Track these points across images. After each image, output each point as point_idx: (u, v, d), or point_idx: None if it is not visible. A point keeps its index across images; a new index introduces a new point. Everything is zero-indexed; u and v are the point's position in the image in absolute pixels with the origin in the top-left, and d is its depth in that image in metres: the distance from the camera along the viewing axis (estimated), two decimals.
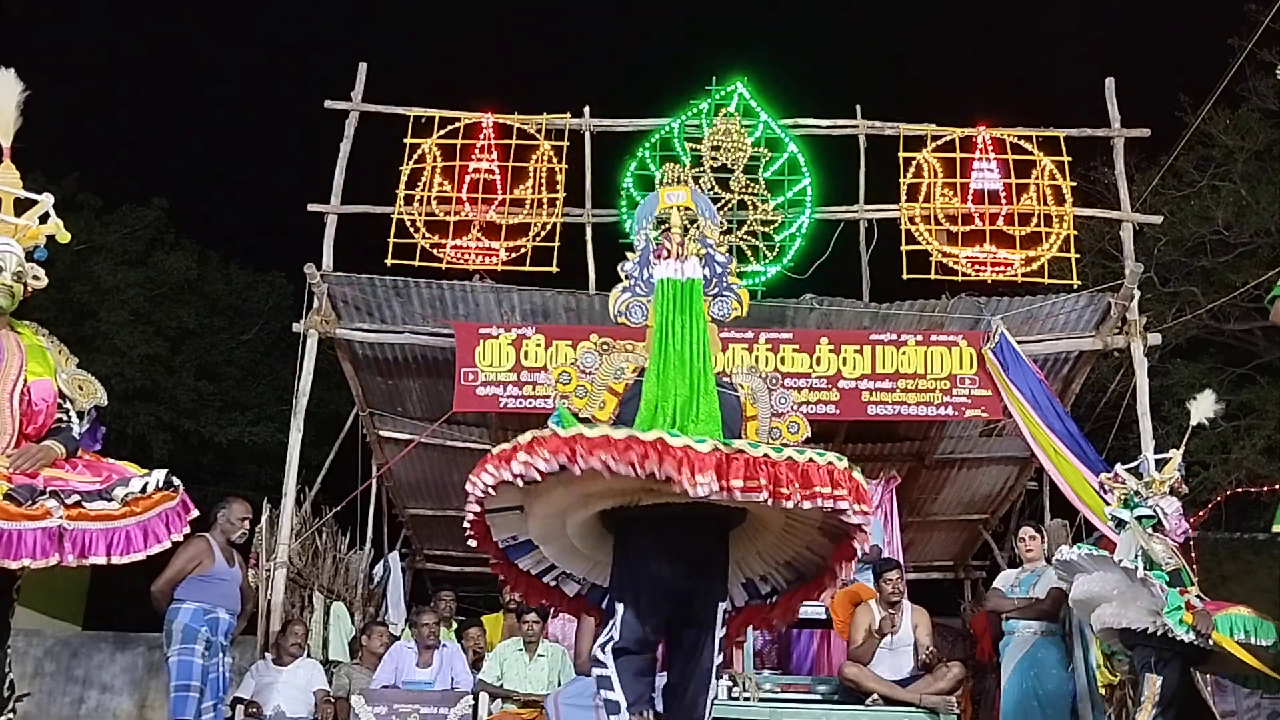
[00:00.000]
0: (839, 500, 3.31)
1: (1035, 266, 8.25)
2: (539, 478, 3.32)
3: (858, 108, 8.62)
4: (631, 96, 9.49)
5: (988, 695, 7.15)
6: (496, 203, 8.36)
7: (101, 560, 3.44)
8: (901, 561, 7.74)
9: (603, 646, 3.66)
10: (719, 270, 4.18)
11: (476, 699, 6.71)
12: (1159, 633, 5.15)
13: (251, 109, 22.70)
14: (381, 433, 9.38)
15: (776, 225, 8.34)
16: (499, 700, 6.81)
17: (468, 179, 8.44)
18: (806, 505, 3.29)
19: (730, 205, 8.38)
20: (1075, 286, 8.21)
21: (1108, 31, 19.49)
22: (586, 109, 8.62)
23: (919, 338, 7.99)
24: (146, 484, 3.60)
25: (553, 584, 4.09)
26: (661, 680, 3.85)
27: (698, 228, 4.18)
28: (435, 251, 8.25)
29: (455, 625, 8.33)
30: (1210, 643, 5.11)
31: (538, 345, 7.87)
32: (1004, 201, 8.39)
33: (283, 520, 7.74)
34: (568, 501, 3.60)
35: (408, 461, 9.52)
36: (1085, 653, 6.47)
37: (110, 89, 21.72)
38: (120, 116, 22.11)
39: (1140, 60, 14.57)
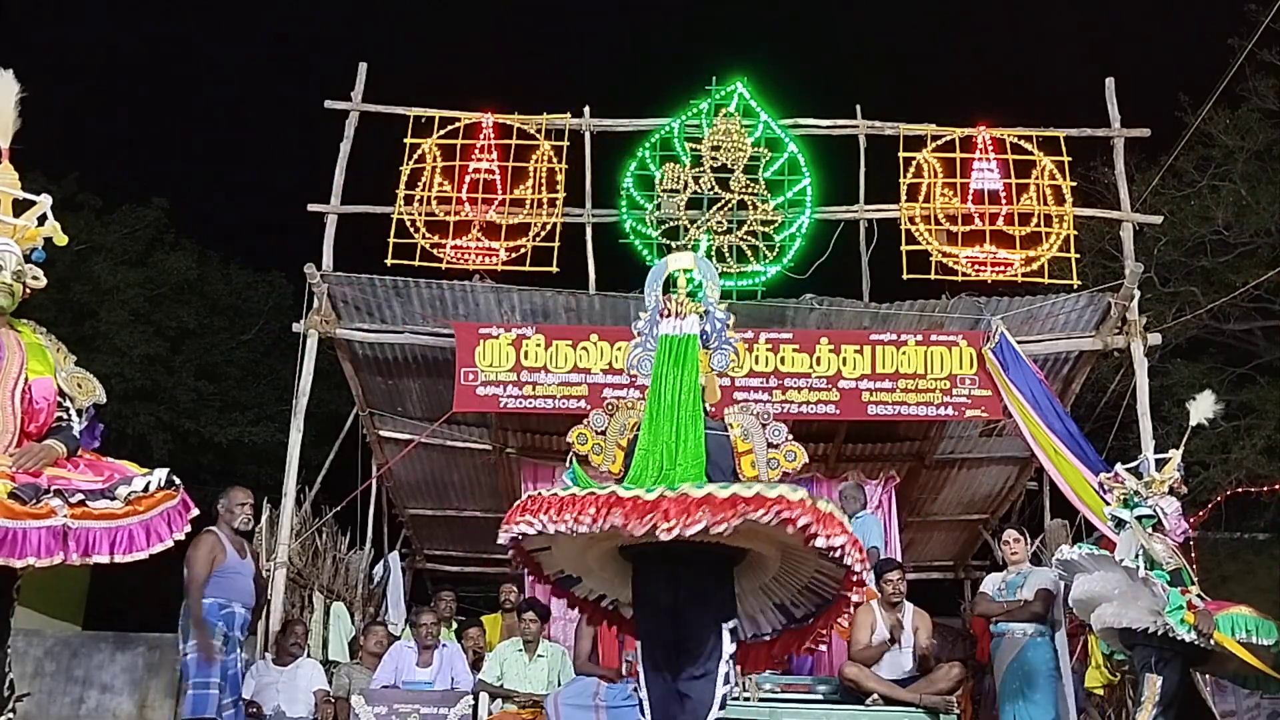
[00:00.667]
0: (779, 514, 3.57)
1: (1035, 266, 8.25)
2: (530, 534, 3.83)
3: (858, 108, 8.62)
4: (631, 96, 9.48)
5: (987, 695, 7.16)
6: (496, 203, 8.36)
7: (105, 559, 3.44)
8: (901, 562, 7.75)
9: (640, 665, 4.26)
10: (718, 326, 4.54)
11: (476, 699, 6.70)
12: (1160, 632, 5.15)
13: (251, 109, 22.75)
14: (381, 433, 9.38)
15: (776, 225, 8.34)
16: (499, 700, 6.81)
17: (468, 179, 8.43)
18: (736, 523, 3.55)
19: (730, 205, 8.38)
20: (1075, 286, 8.20)
21: (1108, 31, 19.53)
22: (586, 109, 8.62)
23: (919, 338, 7.98)
24: (149, 483, 3.61)
25: (610, 607, 4.58)
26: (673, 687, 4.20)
27: (701, 289, 4.61)
28: (435, 251, 8.25)
29: (455, 625, 8.34)
30: (1211, 642, 5.11)
31: (538, 345, 7.87)
32: (1004, 201, 8.39)
33: (283, 520, 7.74)
34: (578, 543, 4.03)
35: (408, 461, 9.52)
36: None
37: (110, 89, 21.73)
38: (120, 116, 22.13)
39: (1140, 60, 14.58)
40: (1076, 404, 9.18)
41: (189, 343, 16.17)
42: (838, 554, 3.76)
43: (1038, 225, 8.32)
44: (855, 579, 4.00)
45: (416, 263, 8.20)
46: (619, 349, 7.76)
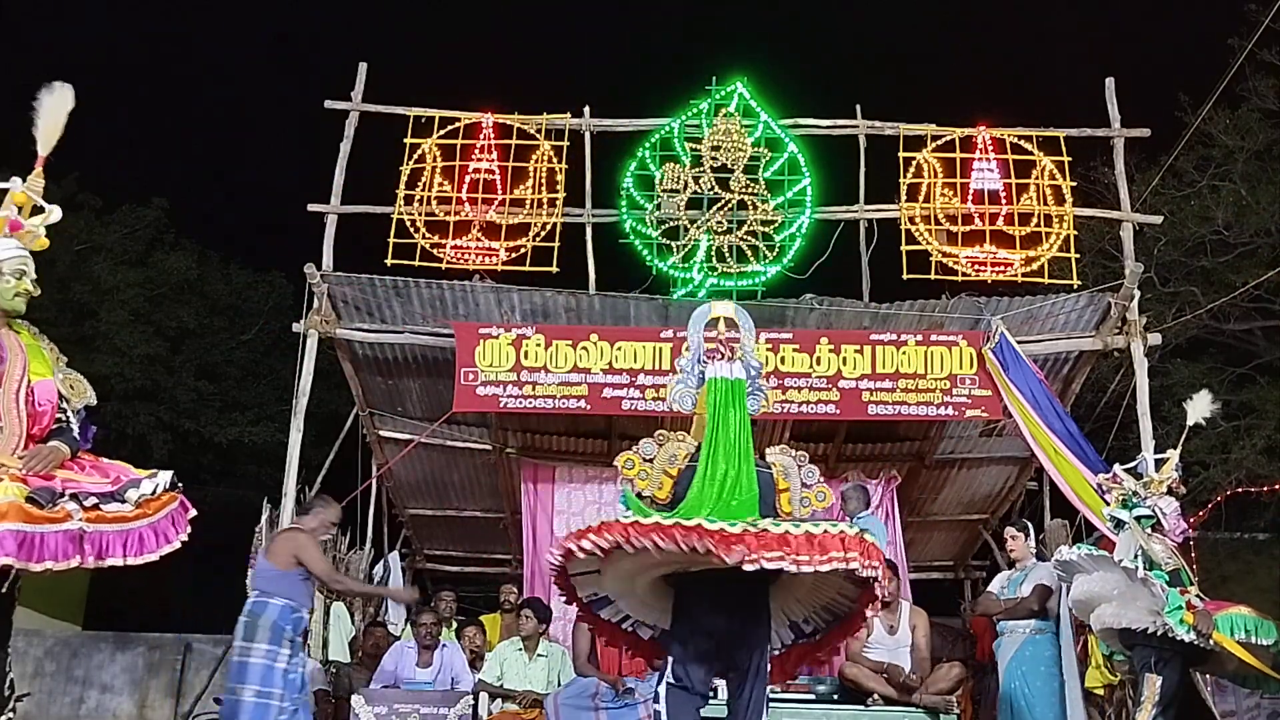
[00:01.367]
0: (850, 562, 3.96)
1: (1035, 266, 8.24)
2: (602, 554, 4.13)
3: (858, 108, 8.61)
4: (631, 96, 9.48)
5: (988, 695, 7.16)
6: (496, 203, 8.36)
7: (119, 562, 3.47)
8: (898, 563, 7.75)
9: (662, 683, 4.44)
10: (753, 374, 4.86)
11: (476, 699, 6.71)
12: (1159, 632, 5.15)
13: (251, 109, 22.73)
14: (381, 433, 9.38)
15: (776, 225, 8.34)
16: (499, 700, 6.82)
17: (468, 179, 8.43)
18: (825, 569, 3.96)
19: (730, 205, 8.38)
20: (1075, 286, 8.19)
21: (1108, 31, 19.52)
22: (586, 109, 8.61)
23: (919, 338, 7.98)
24: (156, 486, 3.65)
25: (630, 629, 4.84)
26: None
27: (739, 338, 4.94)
28: (435, 251, 8.25)
29: (455, 625, 8.34)
30: (1211, 642, 5.11)
31: (538, 345, 7.87)
32: (1004, 201, 8.38)
33: (283, 520, 7.72)
34: (635, 568, 4.35)
35: (408, 461, 9.52)
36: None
37: (110, 89, 21.61)
38: (120, 116, 22.01)
39: (1140, 60, 14.58)
40: (1076, 404, 9.17)
41: (189, 343, 16.18)
42: (871, 579, 4.13)
43: (1038, 225, 8.31)
44: (873, 598, 4.34)
45: (416, 263, 8.20)
46: (619, 349, 7.78)
